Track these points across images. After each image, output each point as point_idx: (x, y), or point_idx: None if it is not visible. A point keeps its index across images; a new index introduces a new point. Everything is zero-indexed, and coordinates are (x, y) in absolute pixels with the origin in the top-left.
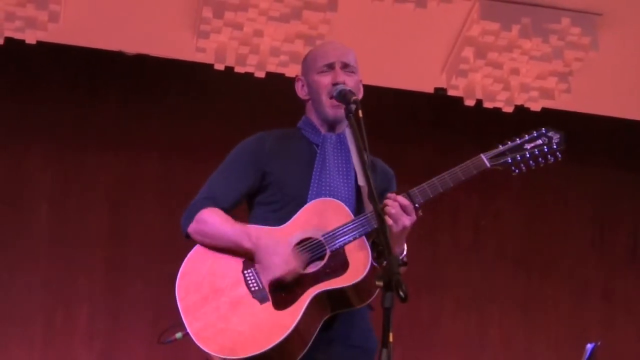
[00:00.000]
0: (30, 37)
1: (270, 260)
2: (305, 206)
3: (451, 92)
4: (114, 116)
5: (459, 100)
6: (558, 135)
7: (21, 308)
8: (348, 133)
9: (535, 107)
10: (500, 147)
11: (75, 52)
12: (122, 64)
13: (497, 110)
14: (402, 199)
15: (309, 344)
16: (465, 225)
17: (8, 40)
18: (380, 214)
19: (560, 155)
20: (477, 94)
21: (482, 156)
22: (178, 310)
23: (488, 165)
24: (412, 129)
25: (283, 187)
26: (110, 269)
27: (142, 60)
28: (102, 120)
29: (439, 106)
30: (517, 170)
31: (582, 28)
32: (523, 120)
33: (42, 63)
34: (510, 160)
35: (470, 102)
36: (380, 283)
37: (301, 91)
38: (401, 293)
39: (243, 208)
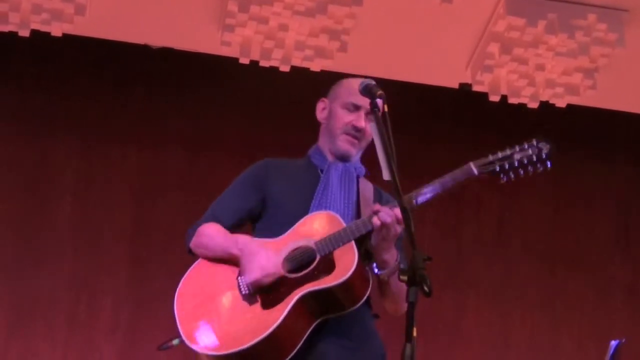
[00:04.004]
0: (57, 30)
1: (248, 264)
2: (301, 220)
3: (476, 88)
4: (139, 109)
5: (483, 95)
6: (548, 146)
7: (44, 300)
8: (373, 128)
9: (561, 103)
10: (490, 157)
11: (101, 45)
12: (148, 57)
13: (522, 106)
14: (398, 212)
15: (299, 345)
16: (489, 221)
17: (34, 32)
18: (405, 208)
19: (549, 164)
20: (502, 89)
21: (471, 164)
22: (176, 323)
23: (476, 172)
24: (436, 124)
25: (281, 214)
26: (133, 262)
27: (167, 54)
28: (126, 114)
29: (464, 102)
30: (505, 178)
31: (608, 24)
32: (548, 116)
33: (67, 56)
34: (498, 169)
35: (495, 98)
36: (404, 278)
37: (321, 113)
38: (425, 288)
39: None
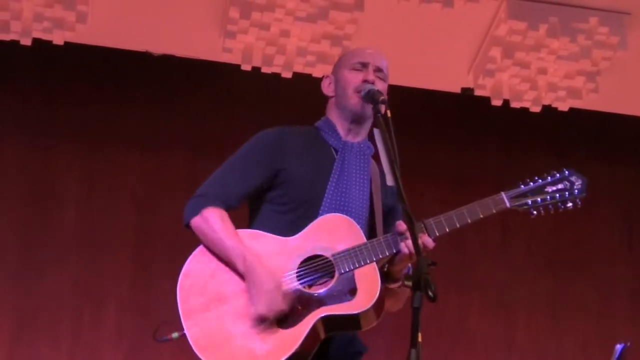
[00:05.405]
0: (58, 38)
1: (255, 293)
2: (319, 219)
3: (478, 92)
4: (141, 117)
5: (486, 100)
6: (580, 181)
7: (49, 307)
8: (377, 133)
9: (563, 106)
10: (522, 187)
11: (103, 52)
12: (149, 64)
13: (524, 110)
14: (427, 239)
15: None
16: (494, 225)
17: (36, 41)
18: (409, 214)
19: (580, 203)
20: (504, 93)
21: (503, 195)
22: (178, 311)
23: (508, 205)
24: (438, 129)
25: (296, 190)
26: (137, 268)
27: (169, 61)
28: (129, 121)
29: (466, 106)
30: (535, 213)
31: (610, 27)
32: (550, 120)
33: (69, 64)
34: (530, 203)
35: (497, 102)
36: (409, 283)
37: (327, 88)
38: (430, 293)
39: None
